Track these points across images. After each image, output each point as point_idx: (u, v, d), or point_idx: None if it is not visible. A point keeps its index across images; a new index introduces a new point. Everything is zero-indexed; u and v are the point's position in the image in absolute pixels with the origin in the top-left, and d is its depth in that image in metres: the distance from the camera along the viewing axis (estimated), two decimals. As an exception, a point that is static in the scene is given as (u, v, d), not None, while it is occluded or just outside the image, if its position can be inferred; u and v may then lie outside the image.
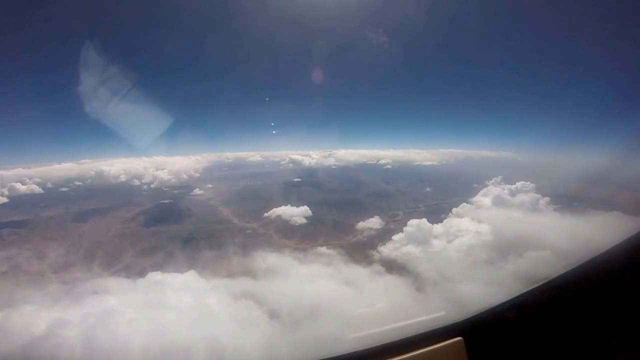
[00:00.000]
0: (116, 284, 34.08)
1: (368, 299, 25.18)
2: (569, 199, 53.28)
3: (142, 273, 37.03)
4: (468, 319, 2.89)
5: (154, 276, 34.48)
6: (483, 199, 56.54)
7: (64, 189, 75.62)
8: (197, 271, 35.76)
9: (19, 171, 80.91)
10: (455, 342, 2.68)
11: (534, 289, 2.75)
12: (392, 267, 39.01)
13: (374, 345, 2.69)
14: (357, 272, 35.49)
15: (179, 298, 26.94)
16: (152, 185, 77.94)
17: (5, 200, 67.17)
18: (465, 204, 56.20)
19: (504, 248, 37.52)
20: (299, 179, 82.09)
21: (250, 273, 35.86)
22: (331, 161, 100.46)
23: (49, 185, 75.93)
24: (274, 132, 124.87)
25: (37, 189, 73.20)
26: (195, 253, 45.38)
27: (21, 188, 71.87)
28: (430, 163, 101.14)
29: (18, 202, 66.59)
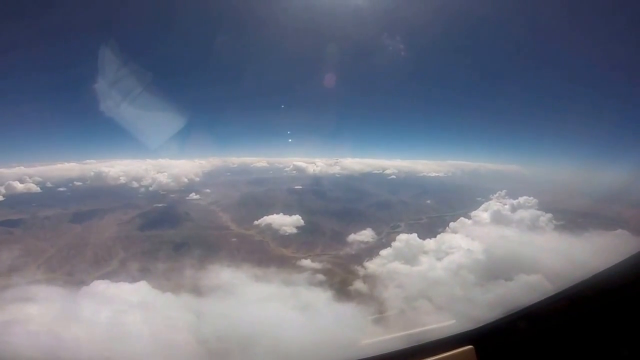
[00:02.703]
0: (50, 291, 32.29)
1: (314, 330, 22.67)
2: (573, 215, 50.98)
3: (105, 277, 35.82)
4: (479, 327, 2.92)
5: (98, 285, 32.92)
6: (482, 214, 53.53)
7: (62, 189, 75.68)
8: (149, 281, 34.15)
9: (20, 169, 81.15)
10: (466, 350, 2.72)
11: (544, 300, 2.72)
12: (363, 290, 36.65)
13: (387, 352, 2.76)
14: (316, 295, 32.95)
15: (103, 310, 25.33)
16: (150, 188, 77.43)
17: (1, 198, 67.37)
18: (463, 218, 53.51)
19: (494, 269, 35.07)
20: (300, 187, 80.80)
21: (201, 289, 33.89)
22: (336, 169, 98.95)
23: (48, 184, 76.16)
24: (290, 140, 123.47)
25: (35, 188, 73.33)
26: (159, 262, 44.25)
27: (19, 187, 72.07)
28: (436, 174, 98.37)
29: (15, 200, 66.85)
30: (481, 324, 2.94)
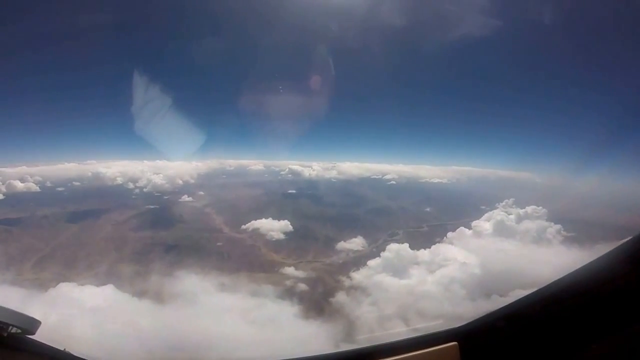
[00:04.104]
0: (13, 293, 30.42)
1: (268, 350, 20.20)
2: (586, 226, 47.39)
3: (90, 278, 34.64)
4: (463, 325, 2.97)
5: (62, 287, 31.87)
6: (484, 223, 49.85)
7: (60, 189, 75.90)
8: (120, 284, 32.89)
9: (22, 169, 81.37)
10: (450, 346, 2.78)
11: (529, 296, 2.72)
12: (343, 303, 33.98)
13: (373, 344, 2.81)
14: (282, 309, 30.50)
15: (53, 314, 23.38)
16: (145, 190, 76.70)
17: (1, 197, 67.67)
18: (463, 228, 50.07)
19: (489, 284, 32.25)
20: (294, 191, 78.68)
21: (165, 295, 32.37)
22: (333, 173, 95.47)
23: (48, 184, 76.37)
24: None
25: (35, 187, 73.66)
26: (140, 264, 42.86)
27: (19, 185, 72.46)
28: (439, 181, 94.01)
29: (14, 199, 67.27)
30: (465, 322, 2.91)
